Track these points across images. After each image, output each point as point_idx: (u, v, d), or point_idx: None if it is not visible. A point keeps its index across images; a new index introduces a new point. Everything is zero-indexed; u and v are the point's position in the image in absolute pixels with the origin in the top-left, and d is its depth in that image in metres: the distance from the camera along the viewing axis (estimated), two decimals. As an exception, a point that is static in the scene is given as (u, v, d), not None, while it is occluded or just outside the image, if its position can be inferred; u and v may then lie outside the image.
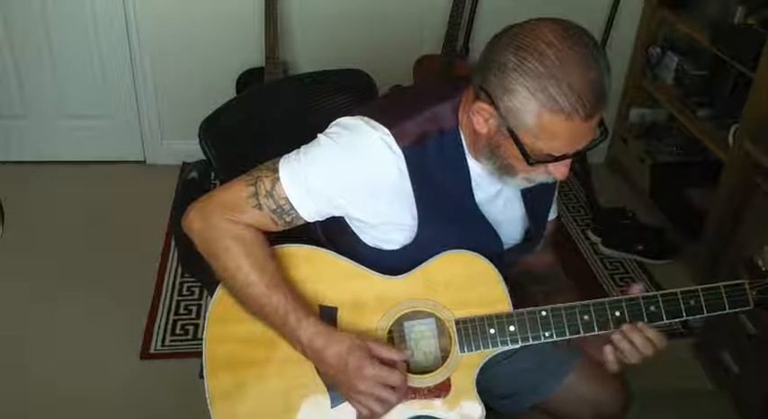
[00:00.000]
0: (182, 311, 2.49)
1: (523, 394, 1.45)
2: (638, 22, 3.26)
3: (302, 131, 1.27)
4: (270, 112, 1.57)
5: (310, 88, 1.66)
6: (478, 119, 1.15)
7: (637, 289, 1.26)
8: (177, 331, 2.41)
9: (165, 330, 2.42)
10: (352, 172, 1.20)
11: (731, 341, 2.19)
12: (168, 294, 2.57)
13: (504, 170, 1.19)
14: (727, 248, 2.41)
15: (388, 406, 1.21)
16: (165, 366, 2.27)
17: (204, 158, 1.50)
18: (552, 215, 1.46)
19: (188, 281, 2.61)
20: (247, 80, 3.07)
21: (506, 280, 1.32)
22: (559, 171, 1.16)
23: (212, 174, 1.51)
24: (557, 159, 1.12)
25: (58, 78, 3.15)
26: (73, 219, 2.92)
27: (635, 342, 1.22)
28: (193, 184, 1.48)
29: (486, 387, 1.45)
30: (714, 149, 2.71)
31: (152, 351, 2.34)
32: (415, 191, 1.21)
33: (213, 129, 1.49)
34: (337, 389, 1.25)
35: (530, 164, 1.12)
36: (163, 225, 2.81)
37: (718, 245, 2.57)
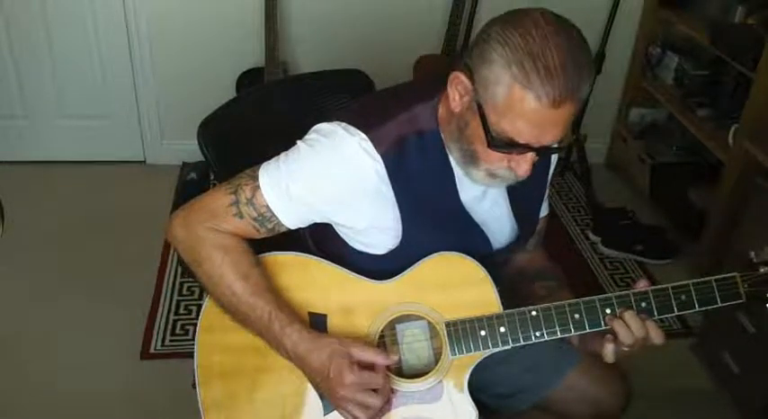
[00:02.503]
0: (182, 311, 2.49)
1: (524, 393, 1.45)
2: (638, 22, 3.26)
3: (301, 132, 1.26)
4: (268, 113, 1.57)
5: (309, 88, 1.66)
6: (455, 94, 1.14)
7: (641, 285, 1.24)
8: (177, 331, 2.41)
9: (165, 330, 2.42)
10: (331, 179, 1.19)
11: (731, 341, 2.19)
12: (168, 294, 2.57)
13: (468, 157, 1.17)
14: (727, 248, 2.41)
15: (372, 412, 1.20)
16: (165, 366, 2.27)
17: (203, 159, 1.50)
18: (544, 212, 1.46)
19: (188, 281, 2.60)
20: (247, 80, 3.07)
21: (500, 280, 1.31)
22: (521, 167, 1.13)
23: (211, 175, 1.51)
24: (518, 147, 1.10)
25: (58, 78, 3.15)
26: (73, 219, 2.92)
27: (630, 324, 1.20)
28: (192, 185, 1.48)
29: (487, 386, 1.46)
30: (714, 149, 2.71)
31: (152, 351, 2.34)
32: (396, 195, 1.20)
33: (211, 130, 1.49)
34: (324, 396, 1.24)
35: (490, 145, 1.10)
36: (163, 225, 2.80)
37: (718, 245, 2.58)
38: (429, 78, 1.27)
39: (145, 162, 3.38)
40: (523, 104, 1.05)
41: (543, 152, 1.12)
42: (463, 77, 1.11)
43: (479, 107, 1.10)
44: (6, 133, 3.23)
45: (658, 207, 3.11)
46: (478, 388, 1.46)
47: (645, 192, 3.19)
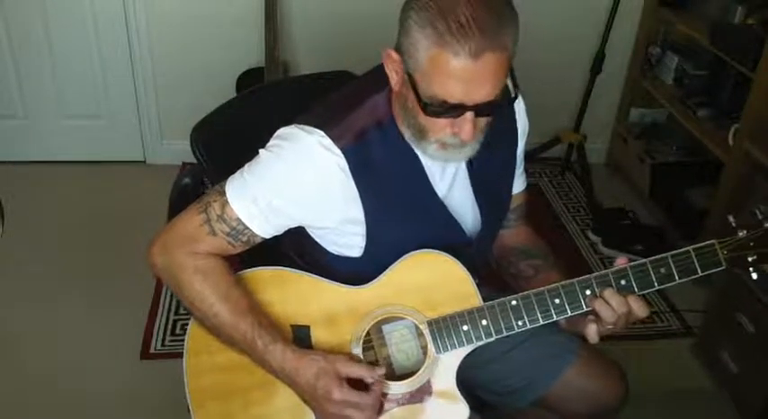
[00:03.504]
0: (182, 311, 2.49)
1: (522, 390, 1.45)
2: (638, 22, 3.26)
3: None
4: (262, 116, 1.56)
5: (306, 90, 1.65)
6: (392, 73, 1.15)
7: (621, 261, 1.24)
8: (177, 331, 2.41)
9: (165, 330, 2.42)
10: (295, 180, 1.19)
11: (731, 341, 2.19)
12: (168, 294, 2.56)
13: (417, 133, 1.17)
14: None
15: None
16: (165, 366, 2.27)
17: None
18: (519, 188, 1.45)
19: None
20: (247, 80, 3.07)
21: (480, 268, 1.31)
22: (464, 130, 1.11)
23: (206, 180, 1.51)
24: (452, 109, 1.09)
25: (58, 78, 3.14)
26: (73, 219, 2.93)
27: (611, 302, 1.20)
28: (186, 190, 1.48)
29: (486, 384, 1.46)
30: (714, 149, 2.71)
31: (152, 351, 2.34)
32: (359, 189, 1.20)
33: (205, 133, 1.49)
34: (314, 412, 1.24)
35: (425, 112, 1.10)
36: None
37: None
38: (379, 69, 1.25)
39: (145, 162, 3.38)
40: (444, 63, 1.05)
41: (480, 110, 1.10)
42: (393, 53, 1.13)
43: (410, 77, 1.10)
44: (6, 133, 3.23)
45: (658, 207, 3.11)
46: (477, 385, 1.46)
47: (645, 192, 3.19)
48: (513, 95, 1.13)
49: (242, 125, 1.56)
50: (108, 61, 3.13)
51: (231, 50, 3.12)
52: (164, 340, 2.38)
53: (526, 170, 1.47)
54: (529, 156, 1.61)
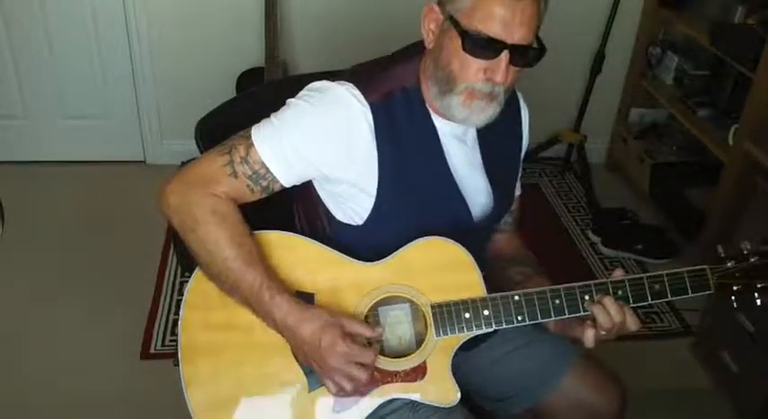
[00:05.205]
0: (182, 311, 2.49)
1: (518, 396, 1.44)
2: (638, 22, 3.26)
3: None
4: (268, 113, 1.57)
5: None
6: (428, 31, 1.22)
7: (618, 274, 1.29)
8: (177, 331, 2.41)
9: (165, 330, 2.42)
10: (323, 124, 1.22)
11: (731, 340, 2.19)
12: (168, 294, 2.57)
13: (445, 84, 1.20)
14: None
15: (358, 383, 1.22)
16: (165, 366, 2.25)
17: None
18: (516, 192, 1.50)
19: (188, 281, 2.60)
20: (247, 80, 3.07)
21: (484, 262, 1.34)
22: (498, 73, 1.16)
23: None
24: (492, 45, 1.14)
25: (58, 78, 3.15)
26: (73, 219, 2.93)
27: (609, 309, 1.24)
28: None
29: (482, 389, 1.46)
30: (714, 149, 2.71)
31: (152, 351, 2.34)
32: (378, 151, 1.23)
33: (210, 127, 1.50)
34: (311, 367, 1.25)
35: (465, 48, 1.15)
36: (163, 225, 2.81)
37: (718, 244, 2.57)
38: (408, 47, 1.32)
39: (145, 162, 3.38)
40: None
41: (515, 53, 1.15)
42: (435, 6, 1.20)
43: (451, 18, 1.16)
44: (6, 133, 3.24)
45: (658, 207, 3.11)
46: (474, 391, 1.46)
47: (645, 192, 3.19)
48: (541, 47, 1.19)
49: (247, 121, 1.56)
50: (108, 61, 3.13)
51: (231, 50, 3.12)
52: (164, 340, 2.38)
53: (524, 170, 1.51)
54: (528, 155, 1.65)
